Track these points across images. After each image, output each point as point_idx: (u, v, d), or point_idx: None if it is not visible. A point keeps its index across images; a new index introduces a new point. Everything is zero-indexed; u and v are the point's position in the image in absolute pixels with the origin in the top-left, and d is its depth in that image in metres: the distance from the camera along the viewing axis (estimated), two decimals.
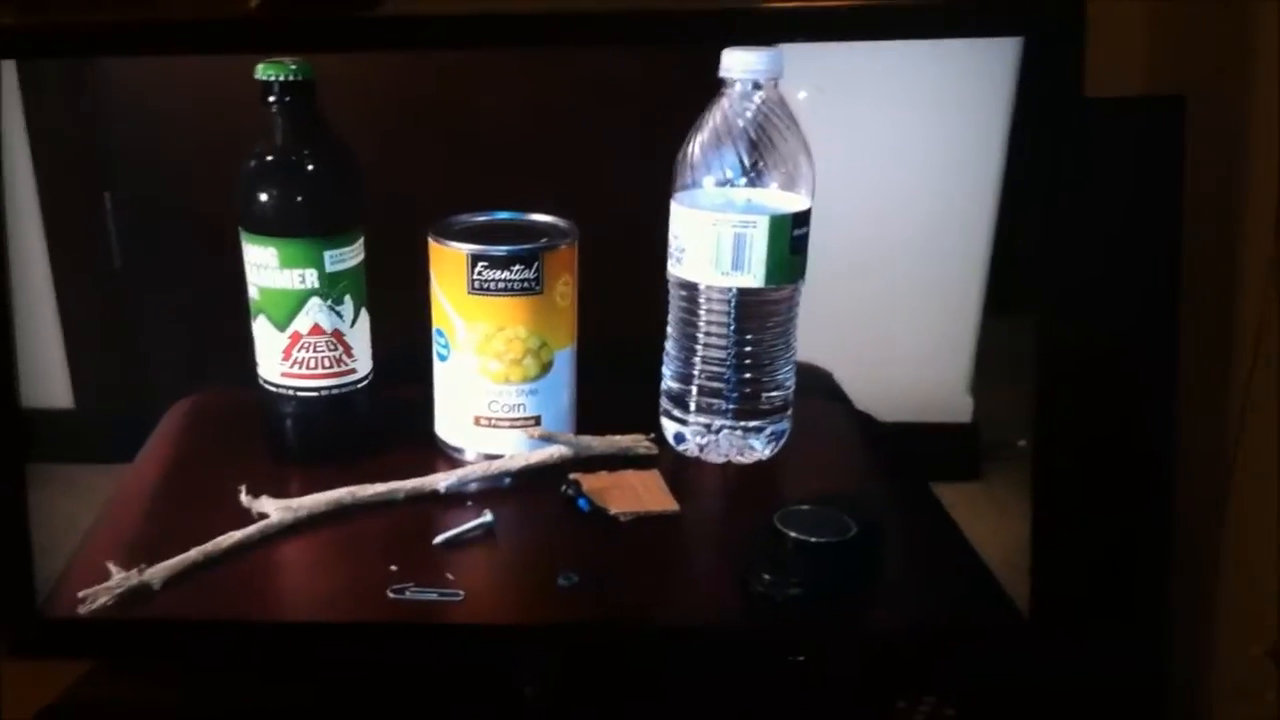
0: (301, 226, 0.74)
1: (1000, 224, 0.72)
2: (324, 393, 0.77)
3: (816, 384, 0.77)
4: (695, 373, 0.76)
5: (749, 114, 0.72)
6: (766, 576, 0.70)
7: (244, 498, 0.73)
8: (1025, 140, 0.68)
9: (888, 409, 0.76)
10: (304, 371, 0.76)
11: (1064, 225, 0.65)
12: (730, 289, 0.73)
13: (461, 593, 0.70)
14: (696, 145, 0.73)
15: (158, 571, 0.70)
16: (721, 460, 0.77)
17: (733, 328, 0.74)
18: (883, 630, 0.71)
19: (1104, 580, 0.75)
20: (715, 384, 0.75)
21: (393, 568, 0.70)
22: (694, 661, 0.73)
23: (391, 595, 0.69)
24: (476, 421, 0.77)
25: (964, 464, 0.76)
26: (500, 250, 0.73)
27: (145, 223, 0.79)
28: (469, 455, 0.78)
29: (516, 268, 0.73)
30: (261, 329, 0.76)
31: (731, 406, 0.75)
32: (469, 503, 0.75)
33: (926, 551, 0.73)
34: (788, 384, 0.76)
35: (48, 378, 0.78)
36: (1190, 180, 0.72)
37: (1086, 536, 0.73)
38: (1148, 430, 0.74)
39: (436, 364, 0.77)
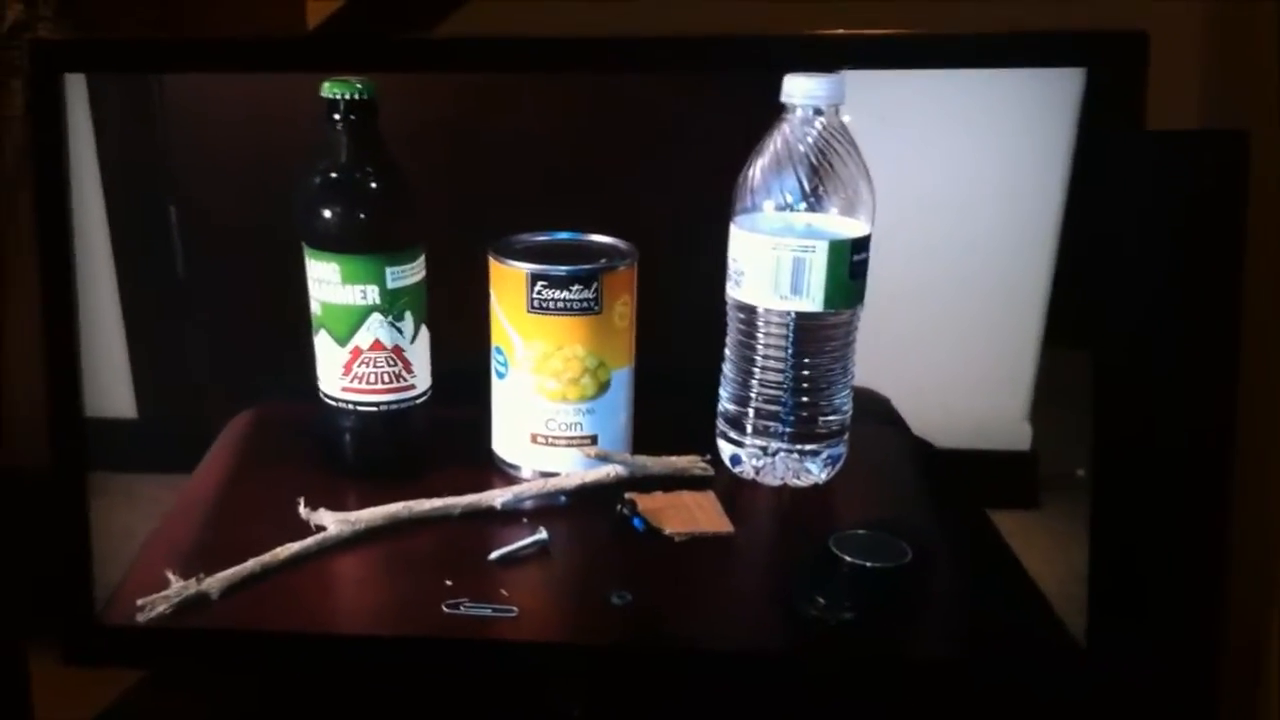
0: (364, 243, 0.75)
1: (1061, 253, 0.72)
2: (383, 408, 0.77)
3: (874, 409, 0.77)
4: (752, 395, 0.76)
5: (810, 139, 0.72)
6: (820, 600, 0.70)
7: (302, 510, 0.74)
8: (1087, 171, 0.68)
9: (945, 435, 0.76)
10: (364, 386, 0.77)
11: (1124, 257, 0.66)
12: (789, 313, 0.73)
13: (515, 609, 0.70)
14: (757, 169, 0.73)
15: (215, 581, 0.71)
16: (777, 483, 0.77)
17: (790, 351, 0.74)
18: (936, 657, 0.71)
19: (1161, 610, 0.74)
20: (772, 407, 0.75)
21: (447, 582, 0.71)
22: (745, 684, 0.73)
23: (446, 610, 0.70)
24: (533, 439, 0.77)
25: (1022, 492, 0.75)
26: (560, 270, 0.74)
27: (210, 235, 0.80)
28: (525, 473, 0.78)
29: (576, 287, 0.74)
30: (323, 343, 0.76)
31: (788, 430, 0.76)
32: (524, 520, 0.75)
33: (982, 579, 0.73)
34: (845, 408, 0.76)
35: (111, 387, 0.78)
36: (1251, 214, 0.72)
37: (1144, 566, 0.72)
38: (1207, 461, 0.74)
39: (495, 381, 0.78)
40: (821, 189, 0.73)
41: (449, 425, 0.80)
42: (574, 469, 0.77)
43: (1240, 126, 0.71)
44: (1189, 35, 0.80)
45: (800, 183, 0.73)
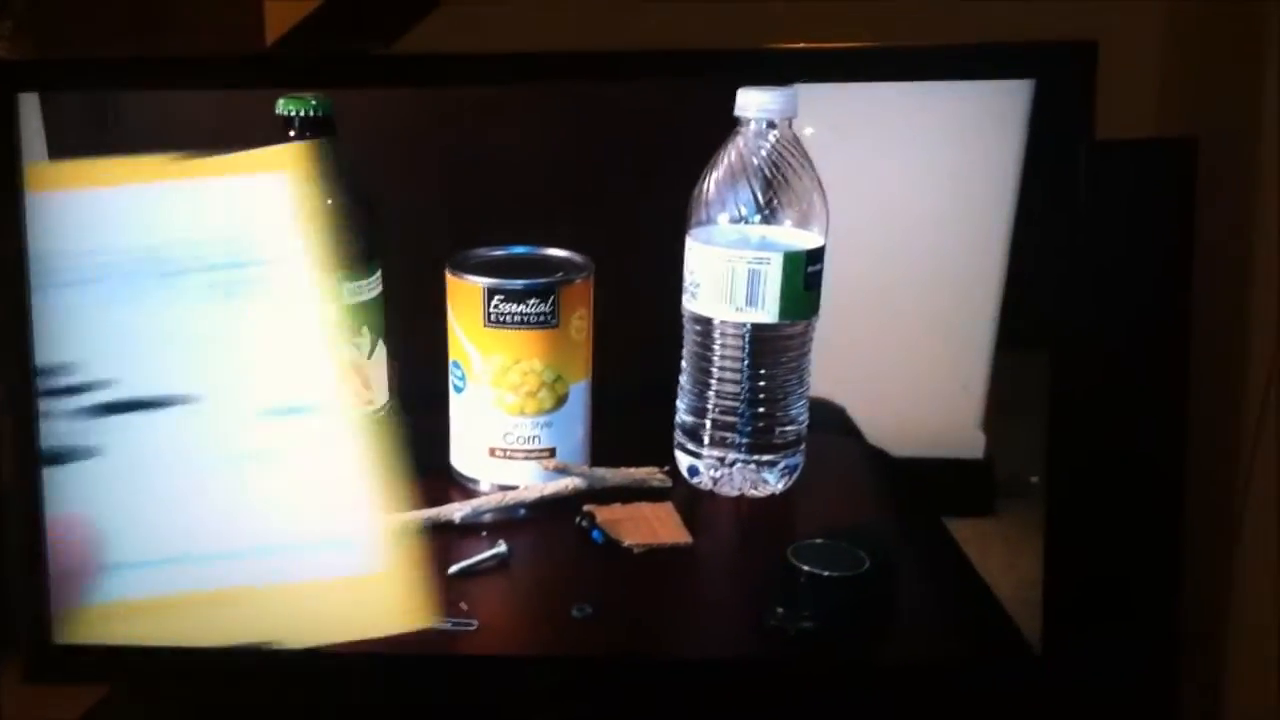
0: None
1: (1012, 262, 0.73)
2: None
3: (830, 419, 0.77)
4: (709, 407, 0.76)
5: (763, 152, 0.73)
6: (779, 610, 0.70)
7: None
8: (1036, 180, 0.69)
9: (900, 444, 0.76)
10: None
11: (1075, 266, 0.66)
12: (744, 324, 0.73)
13: (475, 622, 0.70)
14: (711, 182, 0.74)
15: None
16: (735, 494, 0.77)
17: (746, 363, 0.75)
18: (894, 664, 0.72)
19: (1115, 615, 0.75)
20: (729, 418, 0.76)
21: None
22: (706, 694, 0.73)
23: None
24: (492, 453, 0.78)
25: (976, 499, 0.76)
26: (516, 284, 0.74)
27: None
28: (484, 486, 0.78)
29: (532, 301, 0.74)
30: None
31: (745, 440, 0.76)
32: (484, 533, 0.75)
33: (938, 586, 0.74)
34: (801, 419, 0.77)
35: None
36: (1200, 222, 0.72)
37: (1098, 571, 0.73)
38: (1159, 468, 0.74)
39: (452, 395, 0.78)
40: (776, 201, 0.73)
41: (407, 439, 0.80)
42: (533, 482, 0.77)
43: (1192, 133, 0.71)
44: (1145, 42, 0.81)
45: (754, 195, 0.73)
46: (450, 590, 0.72)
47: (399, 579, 0.66)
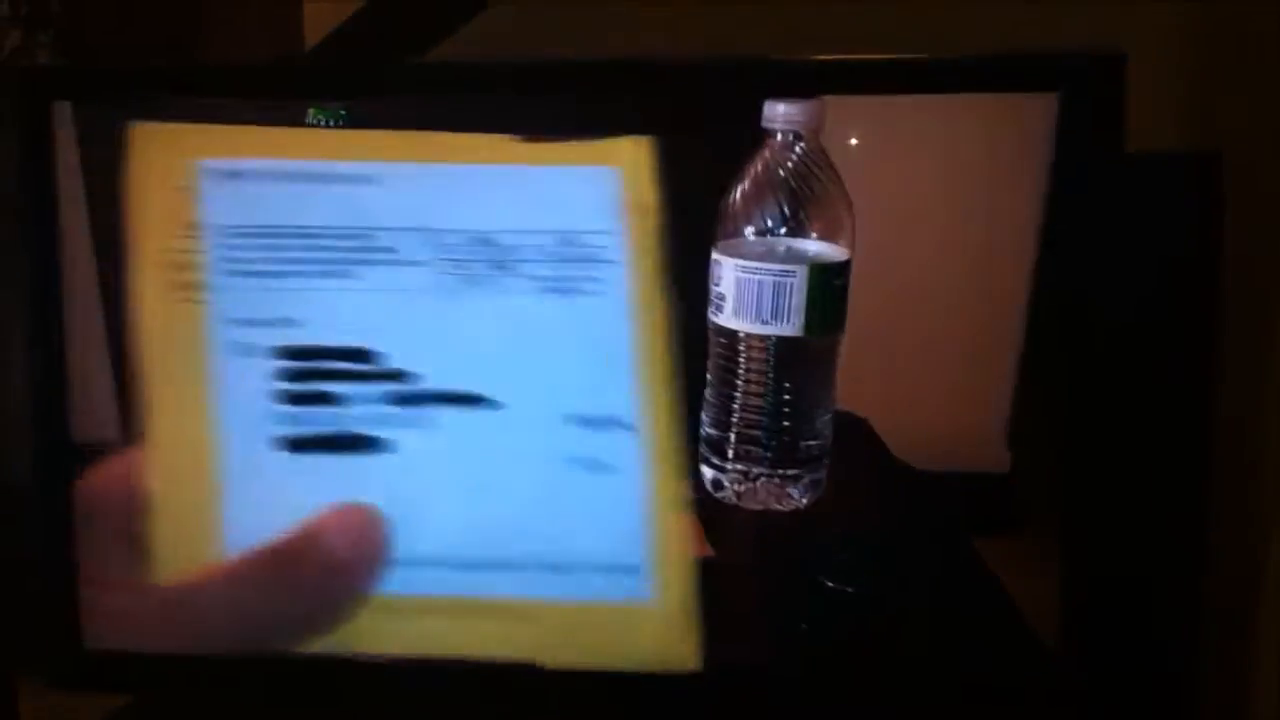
0: None
1: (1038, 275, 0.72)
2: None
3: (854, 432, 0.77)
4: (734, 420, 0.76)
5: (790, 164, 0.72)
6: (802, 625, 0.70)
7: None
8: (1063, 194, 0.68)
9: (925, 459, 0.76)
10: None
11: (1100, 279, 0.66)
12: (769, 338, 0.73)
13: None
14: (738, 195, 0.74)
15: None
16: (759, 507, 0.77)
17: (771, 376, 0.74)
18: (916, 680, 0.71)
19: (1138, 635, 0.74)
20: (753, 432, 0.76)
21: None
22: (727, 708, 0.73)
23: None
24: None
25: (1002, 515, 0.76)
26: None
27: None
28: None
29: None
30: None
31: (769, 455, 0.76)
32: None
33: (962, 601, 0.73)
34: (826, 433, 0.76)
35: (95, 410, 0.79)
36: (1228, 235, 0.72)
37: (1121, 589, 0.72)
38: (1184, 486, 0.74)
39: None
40: (802, 214, 0.73)
41: None
42: None
43: (1216, 148, 0.71)
44: (1172, 53, 0.81)
45: (781, 208, 0.73)
46: None
47: (679, 615, 0.66)
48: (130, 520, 0.66)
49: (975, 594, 0.73)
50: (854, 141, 0.73)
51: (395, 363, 0.65)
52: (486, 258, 0.65)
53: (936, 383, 0.77)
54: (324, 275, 0.66)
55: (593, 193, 0.65)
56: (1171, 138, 0.75)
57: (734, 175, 0.74)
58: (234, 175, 0.66)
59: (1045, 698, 0.70)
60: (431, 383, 0.65)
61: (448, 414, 0.65)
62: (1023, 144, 0.69)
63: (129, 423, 0.80)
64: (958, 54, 0.66)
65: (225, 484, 0.65)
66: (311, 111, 0.73)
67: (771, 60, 0.69)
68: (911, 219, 0.75)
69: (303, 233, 0.66)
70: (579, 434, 0.65)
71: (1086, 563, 0.68)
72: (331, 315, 0.66)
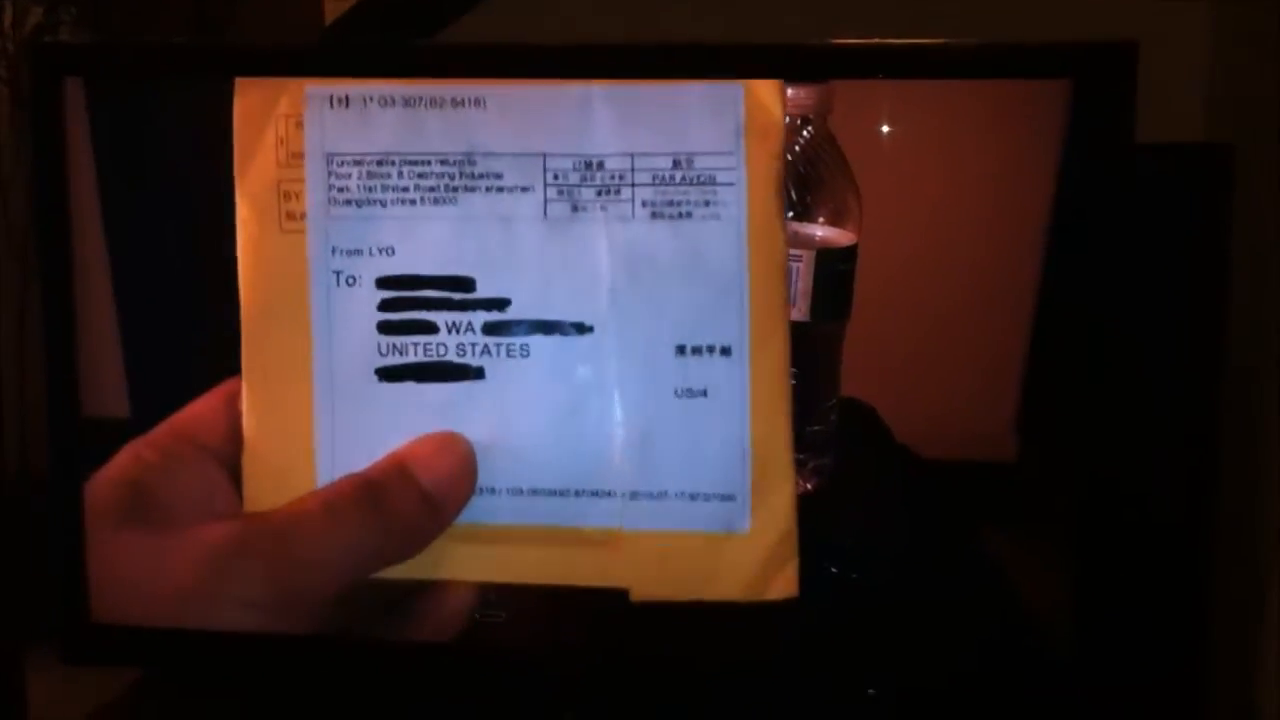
0: None
1: (1048, 263, 0.72)
2: None
3: (861, 419, 0.76)
4: None
5: (797, 149, 0.72)
6: (805, 612, 0.70)
7: None
8: (1072, 182, 0.68)
9: (932, 447, 0.76)
10: None
11: (1109, 268, 0.65)
12: None
13: (504, 613, 0.70)
14: None
15: None
16: None
17: None
18: (921, 672, 0.71)
19: (1145, 627, 0.74)
20: None
21: None
22: (733, 695, 0.73)
23: None
24: None
25: (1008, 503, 0.75)
26: None
27: (206, 232, 0.81)
28: None
29: None
30: None
31: None
32: None
33: (967, 591, 0.73)
34: (831, 419, 0.76)
35: (105, 386, 0.79)
36: (1237, 229, 0.71)
37: (1129, 580, 0.72)
38: (1194, 477, 0.73)
39: None
40: (809, 199, 0.73)
41: None
42: None
43: (1229, 141, 0.71)
44: (1191, 42, 0.80)
45: (788, 192, 0.73)
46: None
47: (777, 543, 0.65)
48: (226, 451, 0.67)
49: (980, 584, 0.73)
50: (863, 127, 0.73)
51: (496, 291, 0.65)
52: (595, 182, 0.64)
53: (944, 370, 0.77)
54: (428, 203, 0.65)
55: (712, 111, 0.64)
56: (1188, 130, 0.74)
57: None
58: (340, 101, 0.66)
59: (1049, 690, 0.70)
60: (532, 311, 0.65)
61: (548, 342, 0.65)
62: (1033, 132, 0.69)
63: (137, 398, 0.81)
64: (969, 40, 0.66)
65: (321, 414, 0.66)
66: None
67: (781, 44, 0.68)
68: (920, 205, 0.75)
69: (408, 159, 0.65)
70: (683, 363, 0.65)
71: (1094, 553, 0.67)
72: (434, 243, 0.65)
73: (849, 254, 0.72)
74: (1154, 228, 0.69)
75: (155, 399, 0.82)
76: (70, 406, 0.74)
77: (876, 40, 0.66)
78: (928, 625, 0.72)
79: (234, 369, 0.69)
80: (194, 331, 0.82)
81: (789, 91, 0.71)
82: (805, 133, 0.72)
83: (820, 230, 0.73)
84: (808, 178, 0.72)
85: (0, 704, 0.82)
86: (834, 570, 0.70)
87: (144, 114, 0.79)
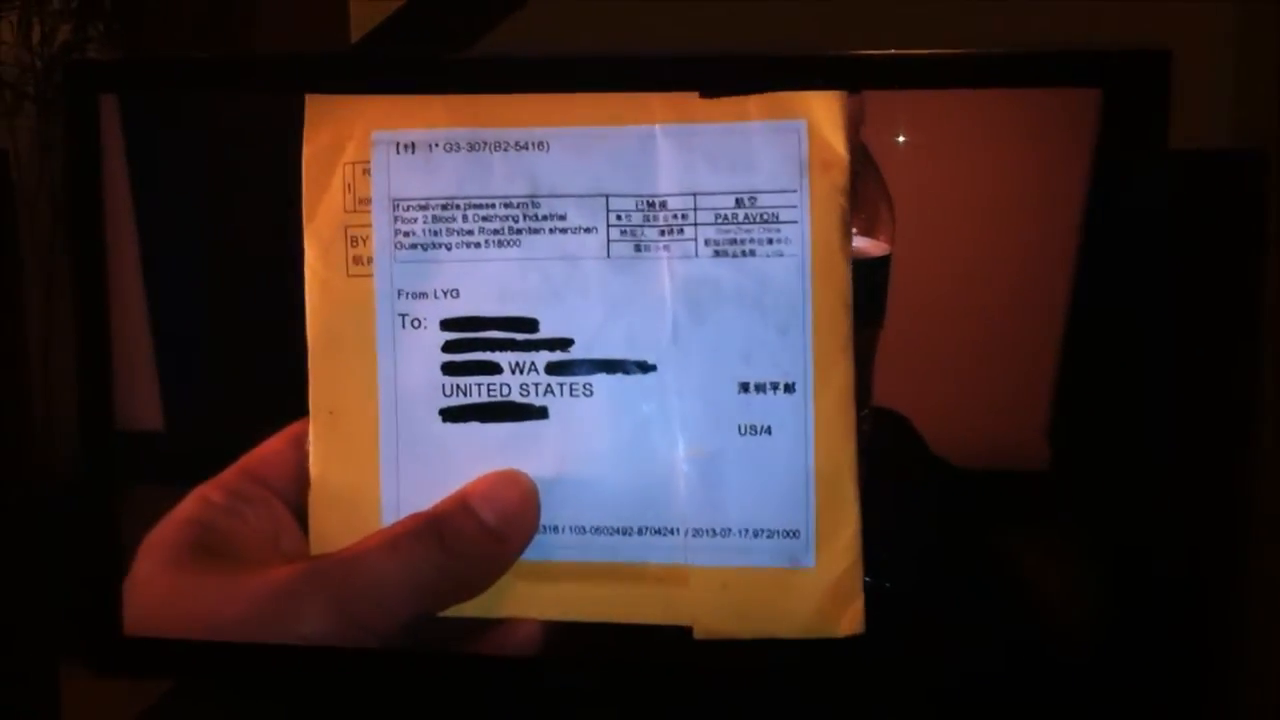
0: None
1: (1079, 271, 0.72)
2: None
3: (894, 428, 0.76)
4: None
5: None
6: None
7: None
8: (1105, 190, 0.68)
9: (965, 455, 0.76)
10: None
11: (1140, 276, 0.65)
12: None
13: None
14: None
15: None
16: None
17: None
18: (950, 680, 0.71)
19: (1176, 635, 0.74)
20: None
21: None
22: (763, 696, 0.73)
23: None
24: None
25: (1041, 512, 0.75)
26: None
27: (240, 245, 0.81)
28: None
29: None
30: None
31: None
32: None
33: (999, 599, 0.73)
34: (864, 429, 0.76)
35: (139, 399, 0.80)
36: (1272, 235, 0.71)
37: (1161, 589, 0.72)
38: (1225, 486, 0.73)
39: None
40: None
41: None
42: None
43: (1263, 146, 0.70)
44: (1221, 48, 0.80)
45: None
46: None
47: (843, 579, 0.66)
48: (292, 491, 0.68)
49: (1013, 592, 0.72)
50: (894, 137, 0.73)
51: (559, 331, 0.66)
52: (658, 222, 0.65)
53: (977, 379, 0.76)
54: (492, 245, 0.66)
55: (775, 148, 0.65)
56: (1216, 135, 0.74)
57: None
58: (406, 147, 0.67)
59: (1083, 700, 0.69)
60: (595, 351, 0.65)
61: (611, 381, 0.65)
62: (1065, 141, 0.69)
63: (171, 410, 0.82)
64: (1000, 49, 0.66)
65: (386, 455, 0.67)
66: None
67: (811, 54, 0.69)
68: (952, 215, 0.75)
69: (472, 203, 0.66)
70: (746, 400, 0.65)
71: (1127, 562, 0.67)
72: (498, 285, 0.66)
73: (882, 264, 0.72)
74: (1187, 235, 0.69)
75: (189, 411, 0.83)
76: (103, 419, 0.74)
77: (906, 51, 0.66)
78: (961, 634, 0.72)
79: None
80: (228, 344, 0.82)
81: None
82: None
83: (854, 241, 0.72)
84: None
85: (34, 715, 0.82)
86: (868, 579, 0.69)
87: (178, 128, 0.79)
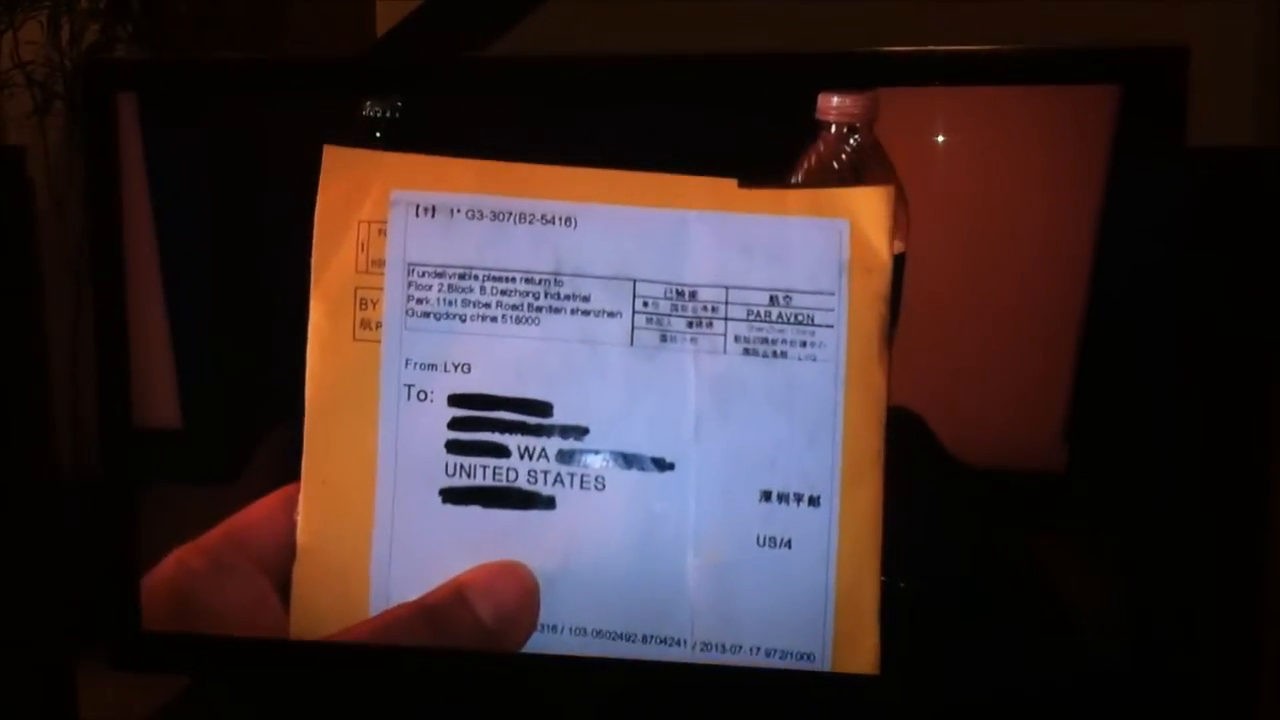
0: None
1: (1096, 271, 0.71)
2: None
3: (909, 428, 0.76)
4: None
5: (844, 157, 0.72)
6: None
7: None
8: (1123, 187, 0.67)
9: (981, 456, 0.75)
10: None
11: (1158, 274, 0.65)
12: None
13: None
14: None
15: None
16: None
17: None
18: (970, 683, 0.70)
19: (1194, 637, 0.73)
20: None
21: None
22: (781, 704, 0.73)
23: None
24: None
25: (1057, 514, 0.75)
26: None
27: (256, 245, 0.82)
28: None
29: None
30: None
31: None
32: None
33: (1017, 601, 0.72)
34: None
35: (156, 396, 0.80)
36: None
37: (1177, 591, 0.71)
38: (1243, 487, 0.72)
39: None
40: None
41: None
42: None
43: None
44: (1242, 45, 0.79)
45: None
46: None
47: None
48: (277, 562, 0.66)
49: (1029, 593, 0.72)
50: (910, 134, 0.72)
51: (574, 418, 0.63)
52: (687, 313, 0.62)
53: (993, 380, 0.76)
54: (509, 320, 0.63)
55: (815, 247, 0.62)
56: (1236, 132, 0.74)
57: (787, 167, 0.73)
58: (426, 210, 0.64)
59: (1099, 700, 0.69)
60: (611, 443, 0.62)
61: (625, 476, 0.62)
62: (1083, 138, 0.68)
63: (189, 409, 0.82)
64: (1019, 46, 0.65)
65: (380, 531, 0.64)
66: (369, 104, 0.73)
67: (828, 52, 0.68)
68: (968, 213, 0.74)
69: (491, 274, 0.63)
70: (768, 510, 0.62)
71: (1144, 563, 0.67)
72: (513, 363, 0.63)
73: (897, 263, 0.71)
74: (1208, 233, 0.69)
75: (206, 409, 0.83)
76: (122, 417, 0.75)
77: (924, 47, 0.65)
78: (977, 634, 0.71)
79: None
80: (245, 343, 0.83)
81: (836, 100, 0.72)
82: (852, 141, 0.71)
83: None
84: (853, 186, 0.72)
85: (51, 711, 0.83)
86: (883, 579, 0.69)
87: (197, 128, 0.80)
